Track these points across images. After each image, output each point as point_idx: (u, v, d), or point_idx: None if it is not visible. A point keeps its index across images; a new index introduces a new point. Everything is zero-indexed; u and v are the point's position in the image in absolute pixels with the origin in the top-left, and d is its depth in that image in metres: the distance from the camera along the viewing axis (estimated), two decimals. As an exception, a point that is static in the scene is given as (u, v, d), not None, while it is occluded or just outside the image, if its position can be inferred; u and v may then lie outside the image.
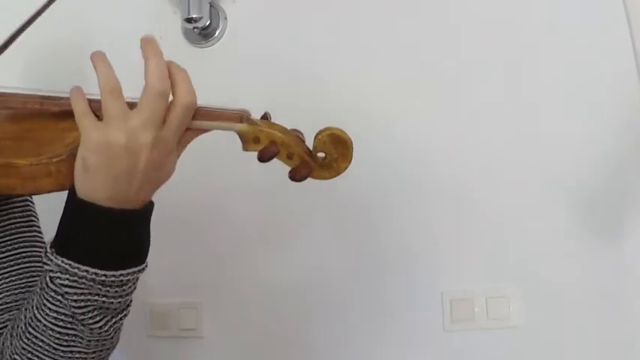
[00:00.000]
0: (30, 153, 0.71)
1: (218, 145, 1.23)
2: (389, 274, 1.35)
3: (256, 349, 1.42)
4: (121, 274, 0.74)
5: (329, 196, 1.37)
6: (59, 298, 0.74)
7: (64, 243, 0.74)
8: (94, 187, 0.71)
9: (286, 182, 1.36)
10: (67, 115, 0.72)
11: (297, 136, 0.76)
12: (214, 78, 1.33)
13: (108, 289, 0.74)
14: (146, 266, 0.77)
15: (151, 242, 0.77)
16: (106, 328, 0.76)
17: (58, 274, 0.73)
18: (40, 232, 0.91)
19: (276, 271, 1.40)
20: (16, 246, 0.87)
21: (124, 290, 0.75)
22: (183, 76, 0.70)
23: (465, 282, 1.33)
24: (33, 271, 0.87)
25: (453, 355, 1.33)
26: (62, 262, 0.73)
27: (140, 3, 1.39)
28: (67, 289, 0.73)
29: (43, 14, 0.96)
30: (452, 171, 1.32)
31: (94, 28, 1.38)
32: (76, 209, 0.72)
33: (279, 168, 1.40)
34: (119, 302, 0.76)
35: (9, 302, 0.84)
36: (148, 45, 0.69)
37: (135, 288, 0.77)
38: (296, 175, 0.77)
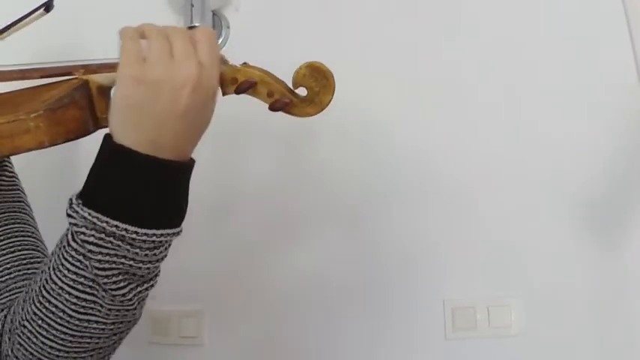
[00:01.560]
0: (7, 112, 0.69)
1: (218, 151, 1.24)
2: (390, 282, 1.34)
3: (257, 356, 1.40)
4: (154, 234, 0.68)
5: (328, 201, 1.37)
6: (80, 258, 0.68)
7: (92, 193, 0.67)
8: (127, 126, 0.67)
9: (287, 188, 1.37)
10: (49, 78, 0.73)
11: (277, 77, 0.76)
12: (217, 86, 1.34)
13: (137, 250, 0.68)
14: (181, 231, 0.71)
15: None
16: (130, 296, 0.70)
17: (83, 229, 0.67)
18: (29, 209, 0.89)
19: (276, 278, 1.39)
20: (6, 222, 0.84)
21: (154, 255, 0.69)
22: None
23: (467, 290, 1.31)
24: (27, 245, 0.84)
25: (455, 363, 1.31)
26: (89, 214, 0.66)
27: (142, 11, 1.40)
28: (90, 247, 0.67)
29: (42, 19, 0.98)
30: (451, 172, 1.32)
31: (94, 36, 1.40)
32: (110, 153, 0.67)
33: (279, 173, 1.40)
34: (147, 268, 0.70)
35: (11, 272, 0.81)
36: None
37: (166, 255, 0.71)
38: (275, 104, 0.75)
